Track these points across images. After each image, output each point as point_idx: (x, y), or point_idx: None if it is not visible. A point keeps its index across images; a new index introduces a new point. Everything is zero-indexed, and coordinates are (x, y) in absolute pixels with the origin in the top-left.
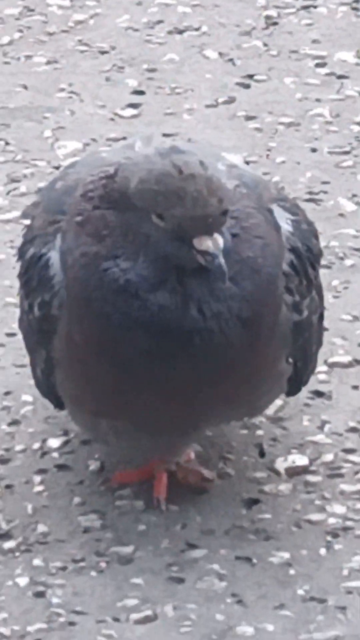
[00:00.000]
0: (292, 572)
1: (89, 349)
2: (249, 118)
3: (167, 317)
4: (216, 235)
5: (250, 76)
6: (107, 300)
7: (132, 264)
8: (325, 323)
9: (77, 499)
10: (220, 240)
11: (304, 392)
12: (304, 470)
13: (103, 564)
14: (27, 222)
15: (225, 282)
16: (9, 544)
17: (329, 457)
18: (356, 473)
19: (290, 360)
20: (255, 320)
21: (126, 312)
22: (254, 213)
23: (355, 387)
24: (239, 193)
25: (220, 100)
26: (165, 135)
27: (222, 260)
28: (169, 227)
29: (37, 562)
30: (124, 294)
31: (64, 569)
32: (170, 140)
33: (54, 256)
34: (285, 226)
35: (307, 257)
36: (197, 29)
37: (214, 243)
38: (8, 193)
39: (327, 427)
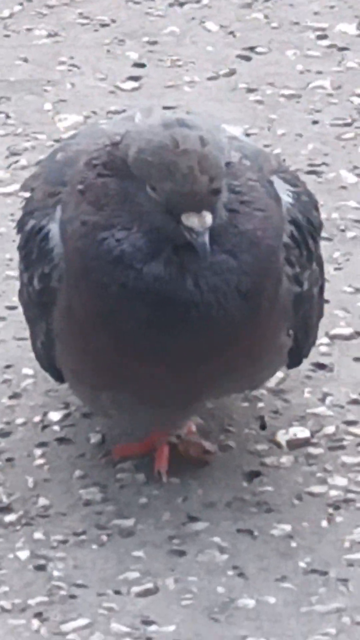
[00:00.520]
0: (293, 544)
1: (88, 320)
2: (250, 90)
3: (163, 288)
4: (205, 213)
5: (251, 48)
6: (104, 271)
7: (126, 234)
8: (327, 295)
9: (78, 472)
10: (208, 219)
11: (305, 364)
12: (306, 442)
13: (104, 537)
14: (27, 194)
15: (206, 262)
16: (9, 517)
17: (330, 429)
18: (358, 445)
19: (291, 332)
20: (255, 293)
21: (123, 282)
22: (255, 186)
23: (356, 359)
24: (242, 166)
25: (221, 72)
26: (165, 107)
27: (206, 238)
28: (160, 200)
29: (38, 535)
30: (119, 264)
31: (64, 542)
32: (171, 113)
33: (54, 228)
34: (286, 198)
35: (307, 229)
36: (197, 2)
37: (201, 221)
38: (9, 166)
39: (328, 400)
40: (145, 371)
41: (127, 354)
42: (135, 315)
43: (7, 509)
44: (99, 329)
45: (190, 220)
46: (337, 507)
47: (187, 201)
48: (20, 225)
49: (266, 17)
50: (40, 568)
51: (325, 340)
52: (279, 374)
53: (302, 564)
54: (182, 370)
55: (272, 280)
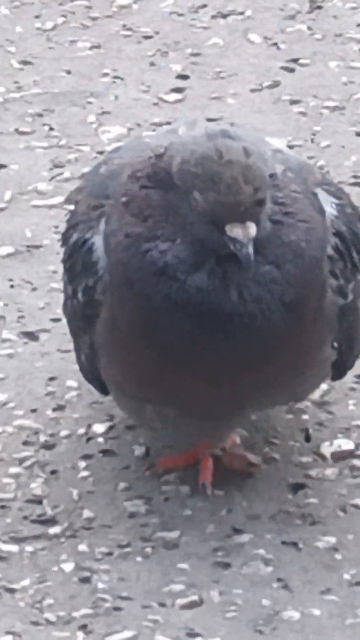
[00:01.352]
0: (338, 556)
1: (132, 332)
2: (294, 102)
3: (206, 300)
4: (249, 224)
5: (295, 60)
6: (148, 282)
7: (170, 245)
8: None
9: (122, 484)
10: (252, 230)
11: (350, 376)
12: (350, 454)
13: (149, 549)
14: (71, 207)
15: (250, 273)
16: (54, 530)
17: None
18: None
19: (335, 344)
20: (299, 304)
21: (166, 294)
22: (299, 198)
23: None
24: (287, 177)
25: (265, 84)
26: (209, 119)
27: (250, 250)
28: (204, 210)
29: (82, 547)
30: (163, 275)
31: (109, 554)
32: (215, 125)
33: (98, 241)
34: (330, 210)
35: (351, 241)
36: (241, 13)
37: (245, 232)
38: (52, 178)
39: None
40: (188, 383)
41: (170, 366)
42: (178, 327)
43: (52, 521)
44: (142, 341)
45: (235, 231)
46: None
47: (231, 212)
48: (65, 238)
49: (309, 28)
50: (85, 580)
51: None
52: (323, 386)
53: (347, 577)
54: (225, 382)
55: (316, 292)
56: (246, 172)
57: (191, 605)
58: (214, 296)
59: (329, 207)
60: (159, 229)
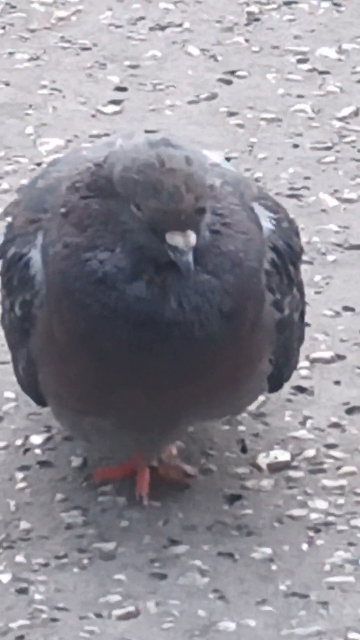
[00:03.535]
0: (274, 567)
1: (69, 343)
2: (231, 114)
3: (145, 309)
4: (189, 232)
5: (232, 72)
6: (87, 291)
7: (109, 255)
8: (307, 318)
9: (59, 496)
10: (192, 238)
11: (286, 387)
12: (286, 465)
13: (85, 560)
14: (8, 220)
15: (189, 281)
16: None
17: (311, 452)
18: (338, 468)
19: (272, 358)
20: (237, 314)
21: (105, 303)
22: (237, 210)
23: (337, 383)
24: (225, 190)
25: (202, 96)
26: (147, 131)
27: (190, 258)
28: (144, 218)
29: (19, 558)
30: (102, 285)
31: (46, 565)
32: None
33: (35, 255)
34: (267, 224)
35: (288, 255)
36: (179, 25)
37: (185, 240)
38: None
39: (309, 423)
40: (126, 394)
41: (108, 376)
42: (116, 336)
43: None
44: (80, 351)
45: (175, 239)
46: (317, 530)
47: (172, 220)
48: (2, 252)
49: (247, 40)
50: (22, 591)
51: (306, 363)
52: (260, 398)
53: (282, 587)
54: (164, 393)
55: (253, 303)
56: (188, 180)
57: (128, 616)
58: (153, 305)
59: (266, 221)
60: (98, 239)
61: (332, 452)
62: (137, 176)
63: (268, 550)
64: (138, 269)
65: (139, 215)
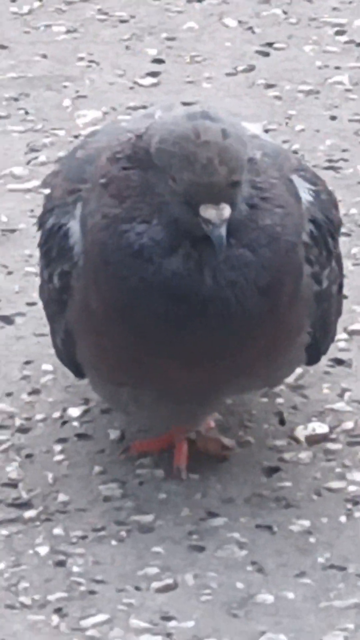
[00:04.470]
0: (312, 540)
1: (106, 314)
2: (269, 86)
3: (181, 283)
4: (223, 205)
5: (270, 44)
6: (124, 264)
7: (146, 227)
8: (345, 291)
9: (97, 468)
10: (226, 211)
11: (324, 360)
12: (324, 438)
13: (123, 533)
14: (47, 191)
15: (220, 255)
16: (29, 513)
17: (349, 424)
18: None
19: (309, 330)
20: (274, 289)
21: (142, 276)
22: (276, 183)
23: None
24: (265, 163)
25: (240, 68)
26: (184, 103)
27: (223, 231)
28: (179, 190)
29: (57, 531)
30: (139, 257)
31: (84, 537)
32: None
33: (74, 226)
34: (306, 196)
35: (326, 228)
36: None
37: (219, 213)
38: (28, 162)
39: (347, 395)
40: (163, 367)
41: (144, 349)
42: (152, 310)
43: (27, 505)
44: (116, 323)
45: (208, 212)
46: (355, 503)
47: (206, 192)
48: (41, 223)
49: (284, 12)
50: (60, 564)
51: (344, 335)
52: (298, 370)
53: (320, 560)
54: (200, 366)
55: (291, 277)
56: (222, 153)
57: (166, 588)
58: (189, 280)
59: (305, 193)
60: (136, 210)
61: None
62: (172, 148)
63: (306, 523)
64: (174, 242)
65: (174, 188)
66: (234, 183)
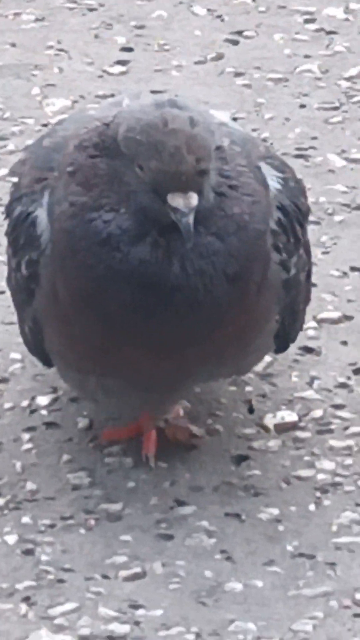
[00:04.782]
0: (281, 528)
1: (73, 303)
2: (238, 74)
3: (148, 272)
4: (190, 194)
5: (239, 32)
6: (91, 252)
7: (114, 215)
8: (314, 279)
9: (65, 457)
10: (193, 200)
11: (293, 348)
12: (293, 426)
13: (92, 522)
14: (15, 179)
15: (189, 243)
16: None
17: (318, 413)
18: (345, 429)
19: (278, 317)
20: (242, 277)
21: (109, 264)
22: (244, 171)
23: (344, 343)
24: (233, 150)
25: (209, 56)
26: (153, 92)
27: (190, 219)
28: (146, 179)
29: (25, 519)
30: (106, 246)
31: (52, 526)
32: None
33: (41, 214)
34: (273, 184)
35: (294, 215)
36: None
37: (186, 201)
38: None
39: (316, 383)
40: (130, 355)
41: (112, 337)
42: (120, 298)
43: None
44: (84, 312)
45: (176, 200)
46: (324, 491)
47: (173, 181)
48: (8, 212)
49: (254, 0)
50: (28, 552)
51: (313, 324)
52: (267, 358)
53: (289, 548)
54: (168, 354)
55: (259, 265)
56: (190, 141)
57: (134, 577)
58: (157, 268)
59: (273, 181)
60: (103, 199)
61: (339, 413)
62: (140, 136)
63: (275, 511)
64: (142, 230)
65: (142, 176)
66: (202, 171)
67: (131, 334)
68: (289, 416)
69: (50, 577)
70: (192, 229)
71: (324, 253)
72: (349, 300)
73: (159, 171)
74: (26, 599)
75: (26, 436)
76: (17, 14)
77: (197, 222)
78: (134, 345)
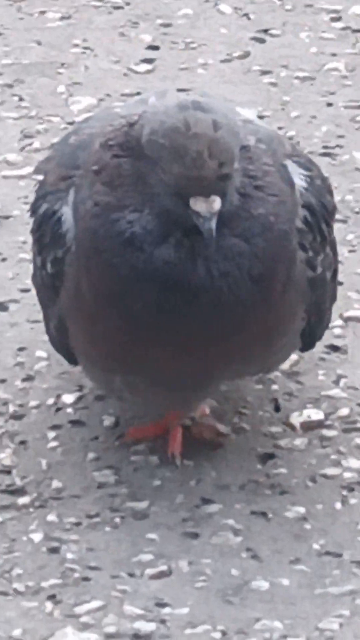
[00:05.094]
0: (307, 526)
1: (97, 302)
2: (264, 73)
3: (172, 272)
4: (213, 198)
5: (265, 31)
6: (115, 252)
7: (138, 216)
8: (341, 277)
9: (91, 455)
10: (216, 204)
11: (319, 346)
12: (319, 424)
13: (118, 520)
14: (40, 177)
15: (210, 247)
16: (23, 500)
17: (344, 411)
18: None
19: (304, 316)
20: (267, 278)
21: (133, 264)
22: (270, 170)
23: None
24: (258, 149)
25: (235, 55)
26: (179, 90)
27: (212, 224)
28: (169, 182)
29: (51, 517)
30: (130, 246)
31: (78, 524)
32: (186, 96)
33: (67, 212)
34: (299, 182)
35: (321, 214)
36: None
37: (209, 206)
38: (22, 149)
39: (342, 382)
40: (155, 354)
41: (136, 336)
42: (143, 298)
43: (21, 492)
44: (108, 311)
45: (198, 204)
46: (351, 489)
47: (195, 185)
48: (34, 209)
49: None
50: (54, 550)
51: (339, 322)
52: (293, 357)
53: (316, 546)
54: (192, 354)
55: (284, 265)
56: (213, 145)
57: (160, 575)
58: (181, 269)
59: (299, 179)
60: (127, 199)
61: None
62: (162, 140)
63: (301, 510)
64: (165, 232)
65: (165, 179)
66: (224, 176)
67: (155, 333)
68: (315, 414)
69: (76, 575)
70: (214, 234)
71: (350, 251)
72: None
73: (181, 175)
74: (52, 597)
75: (52, 434)
76: (42, 12)
77: (222, 223)
78: (157, 345)
